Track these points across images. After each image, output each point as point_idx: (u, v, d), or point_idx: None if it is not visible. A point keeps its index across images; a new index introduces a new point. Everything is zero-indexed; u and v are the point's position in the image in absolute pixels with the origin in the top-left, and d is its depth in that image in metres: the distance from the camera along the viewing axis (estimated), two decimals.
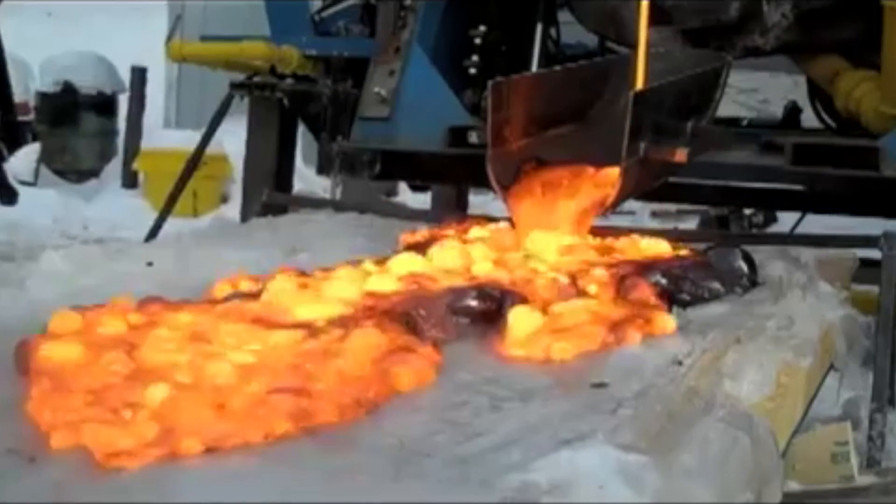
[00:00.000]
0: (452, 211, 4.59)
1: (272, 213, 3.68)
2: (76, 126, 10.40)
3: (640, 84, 2.80)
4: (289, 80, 4.22)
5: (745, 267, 2.49)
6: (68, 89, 10.43)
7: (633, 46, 3.09)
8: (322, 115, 4.14)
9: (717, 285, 2.38)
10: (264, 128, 4.30)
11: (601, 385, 1.76)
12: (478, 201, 5.71)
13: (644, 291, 2.14)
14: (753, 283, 2.48)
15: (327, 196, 4.18)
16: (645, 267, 2.35)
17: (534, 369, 1.82)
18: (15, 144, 8.18)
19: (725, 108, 3.42)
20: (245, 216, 4.06)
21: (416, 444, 1.50)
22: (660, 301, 2.12)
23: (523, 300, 2.07)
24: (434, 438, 1.53)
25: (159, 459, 1.43)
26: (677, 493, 1.45)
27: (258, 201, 3.80)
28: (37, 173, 9.87)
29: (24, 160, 9.74)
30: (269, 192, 3.87)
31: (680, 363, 1.87)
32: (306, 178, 6.04)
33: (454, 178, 4.29)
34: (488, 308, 2.02)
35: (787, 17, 3.63)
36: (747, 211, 7.04)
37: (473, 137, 3.53)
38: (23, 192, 9.07)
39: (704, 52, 3.55)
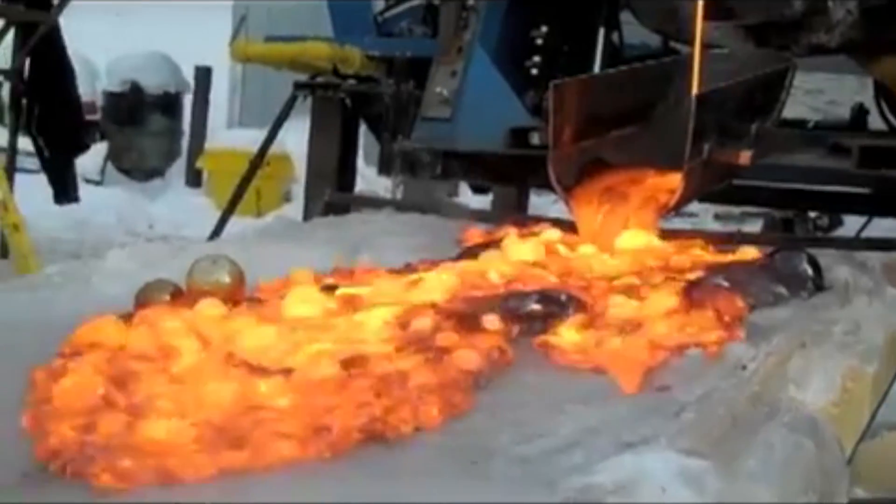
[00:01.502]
0: (513, 212, 4.58)
1: (334, 212, 3.70)
2: (142, 125, 10.55)
3: (695, 84, 2.76)
4: (351, 81, 4.24)
5: (810, 271, 2.45)
6: (135, 89, 10.59)
7: (697, 44, 3.06)
8: (384, 115, 4.15)
9: (781, 289, 2.35)
10: (327, 128, 4.33)
11: (664, 389, 1.74)
12: (538, 202, 5.70)
13: (720, 301, 2.10)
14: (819, 288, 2.44)
15: (388, 196, 4.20)
16: (709, 271, 2.33)
17: (596, 371, 1.81)
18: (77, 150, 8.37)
19: (791, 110, 3.37)
20: (307, 215, 4.08)
21: (478, 444, 1.50)
22: (734, 312, 2.08)
23: (585, 305, 2.06)
24: (496, 438, 1.53)
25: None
26: (739, 497, 1.44)
27: (320, 201, 3.82)
28: (103, 172, 10.03)
29: (91, 159, 9.90)
30: (331, 191, 3.89)
31: (744, 367, 1.84)
32: (368, 179, 6.06)
33: (515, 179, 4.29)
34: (551, 312, 2.01)
35: (852, 13, 3.57)
36: (812, 214, 6.96)
37: (535, 138, 3.52)
38: (90, 190, 9.21)
39: (770, 52, 3.51)
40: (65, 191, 7.87)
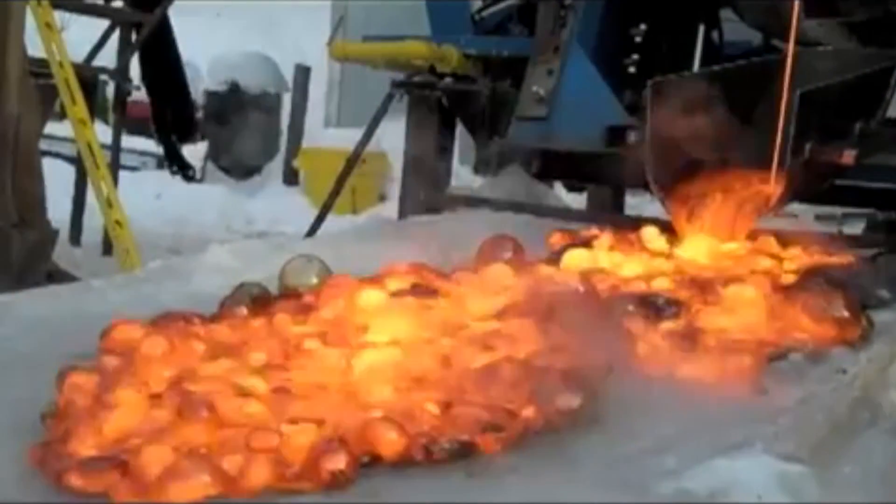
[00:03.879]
0: (608, 211, 4.54)
1: (429, 211, 3.71)
2: (241, 124, 10.69)
3: (786, 82, 2.71)
4: (448, 80, 4.24)
5: None
6: (235, 88, 10.74)
7: (797, 41, 3.01)
8: (480, 114, 4.15)
9: (884, 292, 2.30)
10: (423, 127, 4.33)
11: (761, 392, 1.72)
12: (634, 202, 5.64)
13: (822, 305, 2.06)
14: None
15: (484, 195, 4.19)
16: (811, 273, 2.29)
17: (692, 374, 1.79)
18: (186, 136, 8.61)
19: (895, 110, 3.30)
20: (402, 214, 4.10)
21: (572, 445, 1.50)
22: (837, 316, 2.03)
23: (683, 308, 2.04)
24: (590, 439, 1.52)
25: None
26: None
27: (416, 200, 3.84)
28: (203, 170, 10.19)
29: (191, 157, 10.08)
30: (426, 190, 3.90)
31: (844, 372, 1.81)
32: (463, 178, 6.07)
33: (612, 178, 4.25)
34: (649, 315, 2.00)
35: None
36: None
37: (632, 137, 3.48)
38: (190, 188, 9.39)
39: (875, 50, 3.43)
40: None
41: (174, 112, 7.75)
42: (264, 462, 1.44)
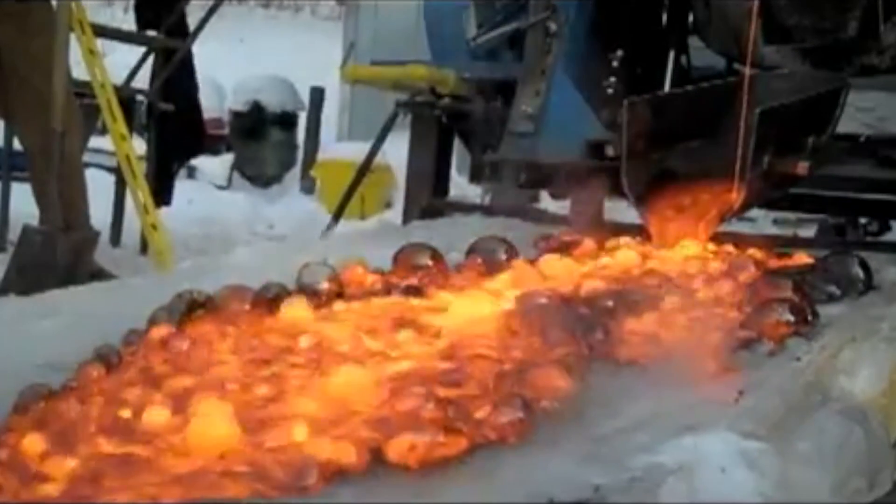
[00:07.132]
0: (588, 217, 4.54)
1: (429, 216, 3.72)
2: (263, 139, 10.73)
3: (744, 100, 2.71)
4: (446, 100, 4.25)
5: (860, 272, 2.39)
6: (257, 107, 10.78)
7: (755, 66, 3.02)
8: (475, 130, 4.16)
9: (834, 289, 2.30)
10: (424, 141, 4.34)
11: (725, 377, 1.72)
12: (611, 208, 5.64)
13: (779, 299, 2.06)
14: (869, 287, 2.39)
15: (478, 202, 4.20)
16: (769, 272, 2.29)
17: (663, 361, 1.79)
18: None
19: (844, 126, 3.30)
20: (406, 219, 4.10)
21: (552, 422, 1.49)
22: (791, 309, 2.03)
23: (655, 303, 2.03)
24: (570, 418, 1.52)
25: None
26: (794, 478, 1.41)
27: (418, 206, 3.84)
28: (230, 179, 10.23)
29: (219, 168, 10.09)
30: (427, 198, 3.91)
31: (799, 359, 1.81)
32: (460, 186, 6.07)
33: (591, 187, 4.26)
34: (625, 309, 1.99)
35: None
36: (863, 220, 6.78)
37: (610, 150, 3.49)
38: (217, 194, 9.40)
39: (825, 73, 3.44)
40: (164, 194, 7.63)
41: (184, 129, 7.61)
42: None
